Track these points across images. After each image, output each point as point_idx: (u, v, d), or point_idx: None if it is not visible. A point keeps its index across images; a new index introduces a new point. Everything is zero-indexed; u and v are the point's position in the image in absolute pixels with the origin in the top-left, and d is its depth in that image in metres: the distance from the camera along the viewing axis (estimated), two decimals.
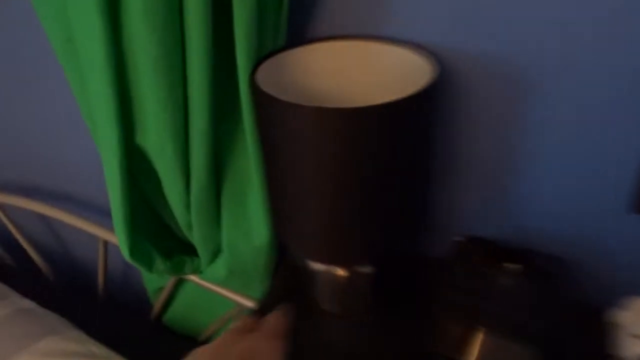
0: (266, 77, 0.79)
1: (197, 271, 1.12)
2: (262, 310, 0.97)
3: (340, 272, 0.91)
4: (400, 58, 0.81)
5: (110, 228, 1.10)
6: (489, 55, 0.79)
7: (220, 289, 1.14)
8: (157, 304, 1.31)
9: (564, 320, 0.81)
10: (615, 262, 0.89)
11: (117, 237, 0.96)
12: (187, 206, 0.93)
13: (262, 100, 0.73)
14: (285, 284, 1.03)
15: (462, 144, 0.90)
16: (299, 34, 0.87)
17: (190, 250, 1.09)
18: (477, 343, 0.79)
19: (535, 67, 0.78)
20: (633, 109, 0.75)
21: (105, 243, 1.33)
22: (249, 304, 1.12)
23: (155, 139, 0.84)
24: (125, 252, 0.96)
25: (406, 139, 0.72)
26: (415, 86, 0.71)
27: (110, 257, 1.38)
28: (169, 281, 1.24)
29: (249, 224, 0.96)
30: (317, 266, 0.93)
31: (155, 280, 1.27)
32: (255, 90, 0.74)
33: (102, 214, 1.38)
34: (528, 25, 0.75)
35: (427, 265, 1.01)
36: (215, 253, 1.05)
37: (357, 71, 0.86)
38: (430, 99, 0.74)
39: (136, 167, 0.90)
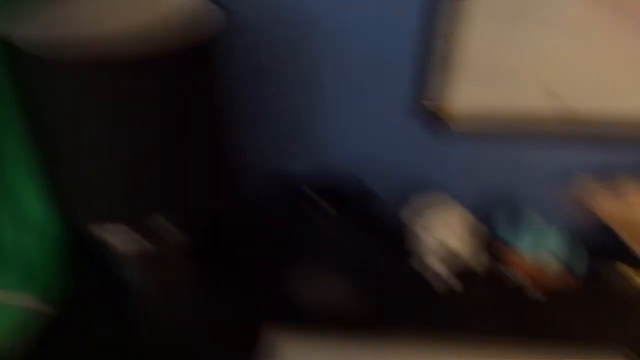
0: (19, 30, 0.64)
1: None
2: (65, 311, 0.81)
3: (152, 246, 0.81)
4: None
5: None
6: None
7: None
8: None
9: (377, 244, 0.84)
10: (408, 171, 0.98)
11: None
12: None
13: (17, 59, 0.61)
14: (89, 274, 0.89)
15: (262, 91, 0.89)
16: None
17: None
18: (304, 284, 0.80)
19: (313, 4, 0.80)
20: (404, 33, 0.81)
21: None
22: (32, 304, 0.92)
23: None
24: None
25: (191, 89, 0.67)
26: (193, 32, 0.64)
27: None
28: None
29: (15, 202, 0.79)
30: (127, 246, 0.81)
31: None
32: (9, 47, 0.60)
33: None
34: None
35: (243, 215, 0.97)
36: None
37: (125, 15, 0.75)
38: (216, 47, 0.69)
39: None
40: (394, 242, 0.91)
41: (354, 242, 0.81)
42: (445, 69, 0.84)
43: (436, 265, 0.86)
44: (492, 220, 0.93)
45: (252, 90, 0.90)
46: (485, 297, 0.86)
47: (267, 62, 0.87)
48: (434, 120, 0.89)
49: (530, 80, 0.85)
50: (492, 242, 0.89)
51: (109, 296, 0.87)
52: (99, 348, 0.79)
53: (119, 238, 0.81)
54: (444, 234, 0.83)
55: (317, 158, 0.97)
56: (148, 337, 0.81)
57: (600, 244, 0.95)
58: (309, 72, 0.87)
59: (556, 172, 0.95)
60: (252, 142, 0.96)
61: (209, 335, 0.80)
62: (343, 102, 0.91)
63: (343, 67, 0.87)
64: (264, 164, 0.98)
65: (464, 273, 0.89)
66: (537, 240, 0.84)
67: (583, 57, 0.81)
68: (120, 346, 0.79)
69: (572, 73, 0.83)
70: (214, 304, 0.86)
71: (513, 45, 0.81)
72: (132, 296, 0.86)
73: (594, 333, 0.81)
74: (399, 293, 0.86)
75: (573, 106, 0.86)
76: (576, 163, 0.93)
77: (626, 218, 0.87)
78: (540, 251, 0.84)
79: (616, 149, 0.91)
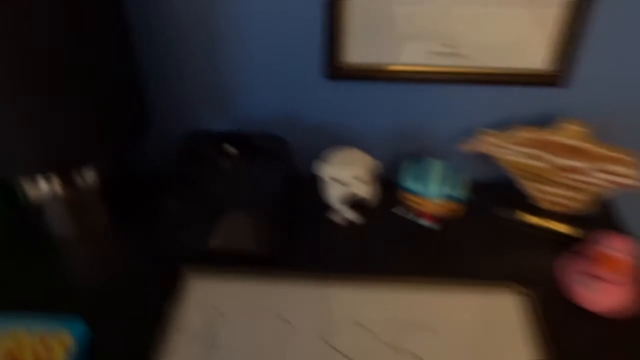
0: None
1: None
2: None
3: (66, 192, 0.85)
4: None
5: None
6: None
7: None
8: None
9: (286, 189, 0.86)
10: (319, 126, 1.01)
11: None
12: None
13: None
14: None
15: (172, 51, 0.91)
16: None
17: None
18: (214, 225, 0.82)
19: None
20: None
21: None
22: None
23: None
24: None
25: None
26: None
27: None
28: None
29: None
30: (42, 194, 0.85)
31: None
32: None
33: None
34: None
35: (155, 167, 0.98)
36: None
37: None
38: None
39: None
40: (304, 188, 0.96)
41: (263, 185, 0.85)
42: (353, 29, 0.87)
43: (341, 207, 0.90)
44: (398, 170, 0.96)
45: (163, 52, 0.92)
46: (386, 232, 0.92)
47: (175, 26, 0.89)
48: (342, 76, 0.92)
49: (429, 36, 0.88)
50: (398, 191, 0.93)
51: (28, 245, 0.88)
52: (17, 297, 0.79)
53: (34, 187, 0.82)
54: (350, 179, 0.86)
55: (233, 118, 1.00)
56: (66, 284, 0.82)
57: (501, 192, 0.99)
58: (218, 38, 0.89)
59: (459, 125, 0.99)
60: (169, 100, 0.97)
61: (125, 279, 0.82)
62: (254, 64, 0.93)
63: (250, 30, 0.89)
64: (181, 122, 1.00)
65: (366, 213, 0.94)
66: (441, 189, 0.88)
67: (481, 13, 0.85)
68: (39, 293, 0.80)
69: (469, 30, 0.87)
70: (129, 248, 0.88)
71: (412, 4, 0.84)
72: (51, 244, 0.87)
73: (486, 266, 0.86)
74: (307, 233, 0.90)
75: (472, 63, 0.90)
76: (477, 116, 0.98)
77: (524, 166, 0.93)
78: (443, 198, 0.89)
79: (514, 102, 0.96)
